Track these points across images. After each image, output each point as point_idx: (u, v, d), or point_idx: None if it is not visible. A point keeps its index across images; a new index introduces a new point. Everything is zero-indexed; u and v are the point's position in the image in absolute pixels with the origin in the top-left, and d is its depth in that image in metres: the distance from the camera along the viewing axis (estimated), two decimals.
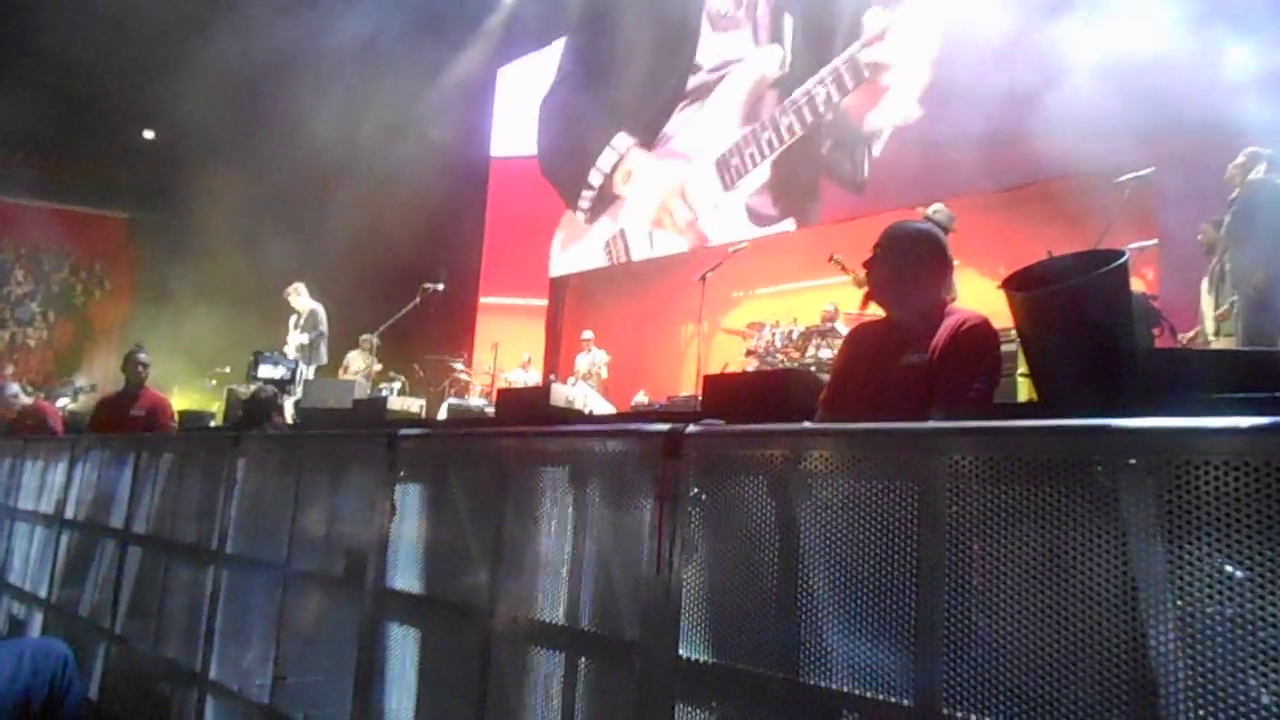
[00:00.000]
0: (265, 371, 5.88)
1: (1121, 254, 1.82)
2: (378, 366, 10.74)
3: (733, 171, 11.29)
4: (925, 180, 8.82)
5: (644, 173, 12.64)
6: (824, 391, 2.81)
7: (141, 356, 6.24)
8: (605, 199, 13.15)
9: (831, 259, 7.03)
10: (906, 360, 2.57)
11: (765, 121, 11.00)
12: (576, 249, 13.13)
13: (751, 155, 11.12)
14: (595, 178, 13.28)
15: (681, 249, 11.42)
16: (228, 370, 12.44)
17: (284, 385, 5.93)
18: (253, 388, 6.14)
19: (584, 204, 13.33)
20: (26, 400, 7.24)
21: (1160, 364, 1.89)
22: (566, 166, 13.58)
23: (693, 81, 12.38)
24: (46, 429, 6.26)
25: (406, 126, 12.60)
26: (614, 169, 12.94)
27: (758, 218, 10.75)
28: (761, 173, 10.95)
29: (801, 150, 10.45)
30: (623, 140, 12.91)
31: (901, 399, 2.50)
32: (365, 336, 10.88)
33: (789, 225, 10.25)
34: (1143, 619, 1.14)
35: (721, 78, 11.84)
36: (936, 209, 6.27)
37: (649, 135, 12.59)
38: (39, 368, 17.11)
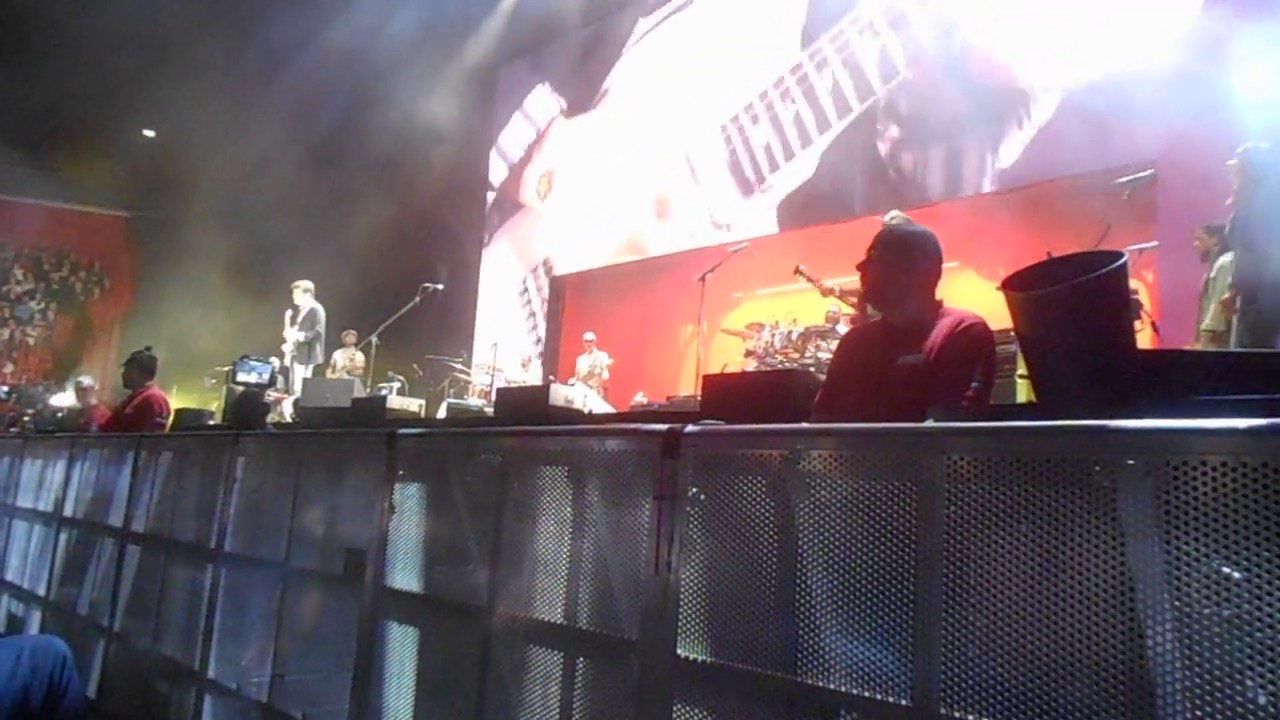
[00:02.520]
0: (243, 375, 6.00)
1: (1120, 255, 1.82)
2: (359, 358, 10.73)
3: (752, 164, 10.32)
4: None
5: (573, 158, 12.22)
6: (819, 394, 2.82)
7: (137, 357, 6.22)
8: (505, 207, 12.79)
9: (797, 270, 7.07)
10: (903, 361, 2.58)
11: (799, 69, 9.71)
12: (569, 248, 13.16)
13: (778, 137, 9.93)
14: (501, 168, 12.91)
15: (680, 248, 11.40)
16: (227, 369, 12.42)
17: (261, 388, 6.04)
18: (240, 389, 6.23)
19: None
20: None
21: (1158, 366, 1.89)
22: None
23: None
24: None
25: (407, 126, 12.59)
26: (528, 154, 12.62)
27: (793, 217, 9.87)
28: (803, 166, 9.87)
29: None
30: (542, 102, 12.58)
31: (898, 399, 2.51)
32: (348, 332, 10.89)
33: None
34: (1140, 619, 1.14)
35: None
36: (894, 216, 6.31)
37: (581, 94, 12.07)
38: (38, 366, 17.11)
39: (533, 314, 13.41)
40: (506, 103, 14.25)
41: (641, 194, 11.83)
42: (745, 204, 10.48)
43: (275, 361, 6.81)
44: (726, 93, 10.76)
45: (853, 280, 6.67)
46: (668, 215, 11.53)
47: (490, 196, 14.42)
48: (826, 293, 6.88)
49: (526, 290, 13.56)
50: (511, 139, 14.13)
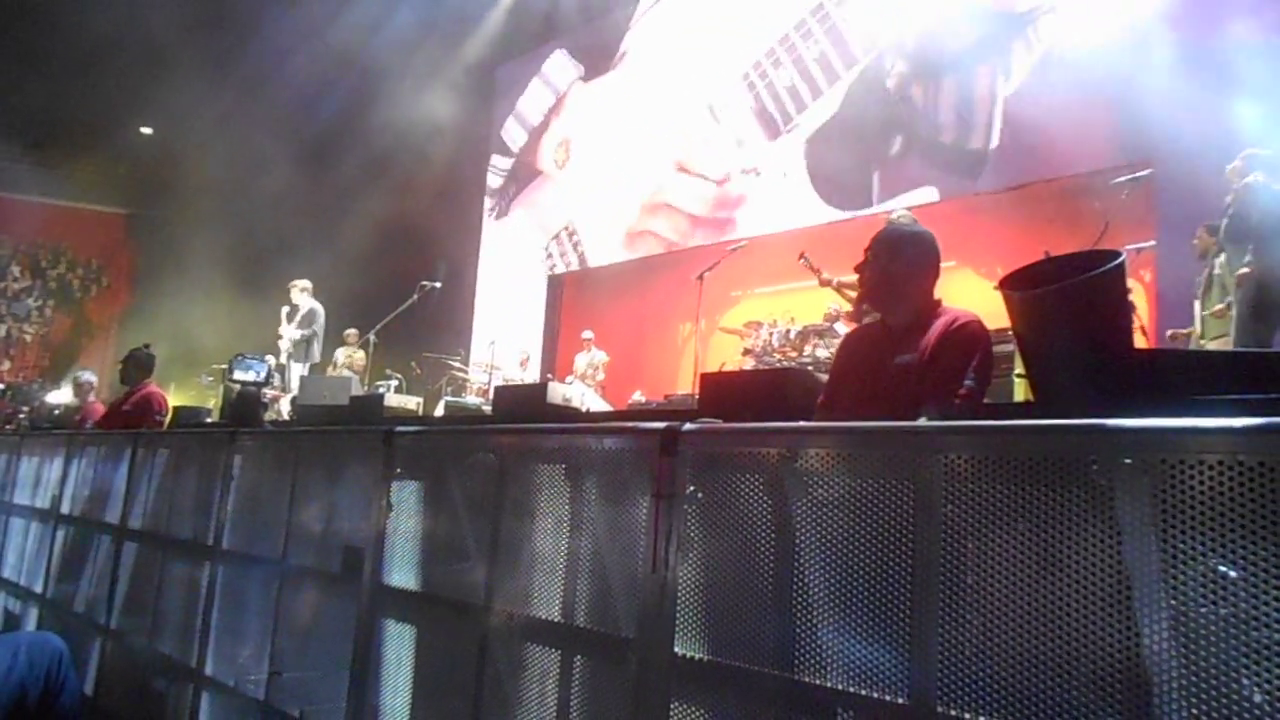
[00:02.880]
0: (239, 374, 6.10)
1: (1118, 255, 1.82)
2: (360, 356, 10.73)
3: (778, 106, 10.09)
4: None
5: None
6: (821, 396, 2.83)
7: (132, 354, 6.21)
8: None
9: (801, 257, 7.06)
10: (898, 361, 2.59)
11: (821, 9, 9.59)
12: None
13: (803, 77, 9.77)
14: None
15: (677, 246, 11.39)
16: (225, 366, 12.40)
17: (259, 387, 6.15)
18: (236, 388, 6.30)
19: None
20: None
21: (1155, 365, 1.89)
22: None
23: None
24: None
25: (405, 123, 12.58)
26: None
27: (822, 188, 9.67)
28: (827, 106, 9.66)
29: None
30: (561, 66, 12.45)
31: (893, 398, 2.52)
32: (350, 330, 10.90)
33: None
34: (1137, 618, 1.15)
35: None
36: (901, 214, 6.32)
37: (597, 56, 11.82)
38: (35, 363, 17.08)
39: (554, 269, 13.14)
40: (524, 70, 13.92)
41: (665, 148, 11.61)
42: (772, 146, 10.33)
43: (271, 359, 6.85)
44: (746, 42, 10.59)
45: (852, 276, 6.70)
46: (690, 167, 11.29)
47: (498, 181, 14.25)
48: (825, 284, 6.88)
49: (551, 255, 13.30)
50: (530, 104, 13.79)
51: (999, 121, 8.31)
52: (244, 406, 4.93)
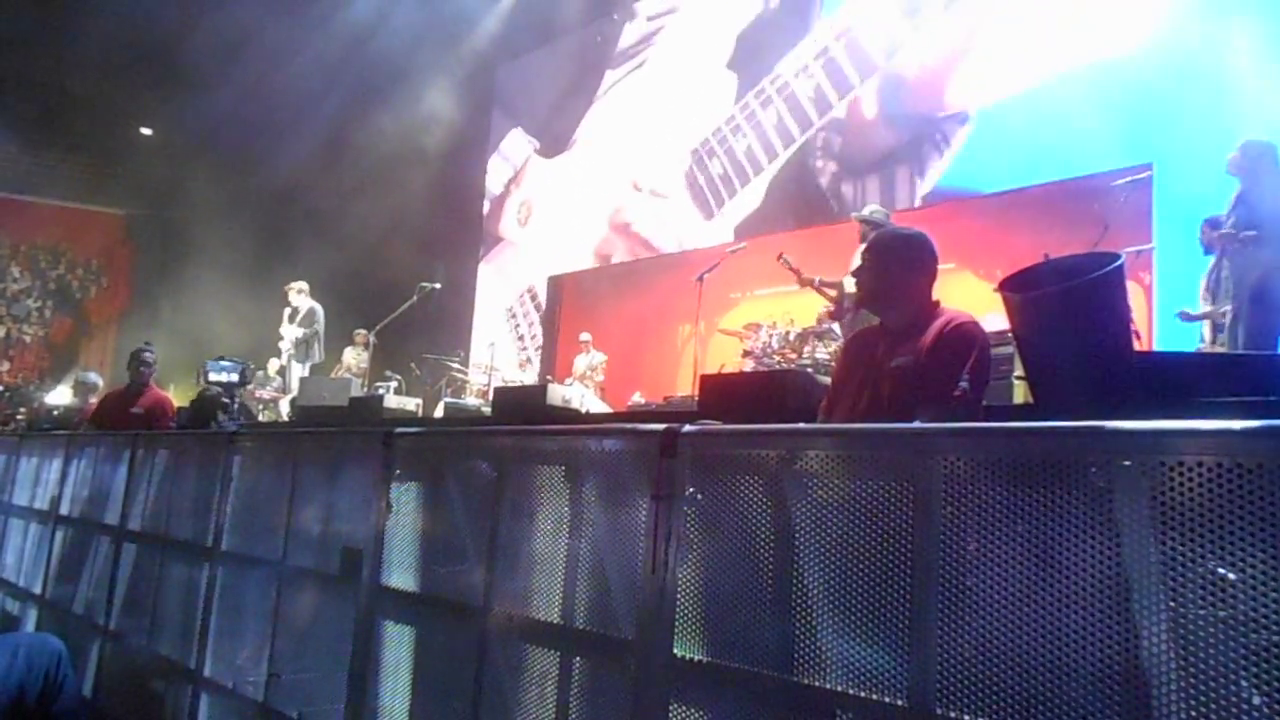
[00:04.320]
0: (214, 375, 6.23)
1: (1117, 257, 1.83)
2: (366, 358, 10.73)
3: (713, 190, 11.04)
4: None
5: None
6: (824, 399, 2.83)
7: (146, 355, 6.20)
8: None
9: (780, 258, 7.06)
10: (895, 362, 2.59)
11: (746, 108, 10.48)
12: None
13: (732, 166, 10.73)
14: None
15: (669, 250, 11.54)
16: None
17: (231, 388, 6.27)
18: (201, 389, 6.43)
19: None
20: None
21: (1154, 367, 1.89)
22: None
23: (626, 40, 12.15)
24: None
25: (406, 125, 12.59)
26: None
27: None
28: (753, 194, 10.61)
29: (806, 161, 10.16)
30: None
31: (890, 400, 2.52)
32: (359, 331, 10.89)
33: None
34: (1136, 620, 1.15)
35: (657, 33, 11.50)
36: (873, 210, 6.30)
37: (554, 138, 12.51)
38: (35, 364, 17.08)
39: (520, 337, 13.71)
40: (487, 144, 14.79)
41: (611, 217, 12.44)
42: (707, 226, 11.23)
43: (253, 363, 6.93)
44: (686, 132, 11.52)
45: (832, 275, 6.70)
46: (636, 235, 12.13)
47: (485, 205, 14.57)
48: (805, 283, 6.87)
49: (515, 316, 13.87)
50: (493, 177, 14.65)
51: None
52: (201, 409, 5.08)
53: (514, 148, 14.32)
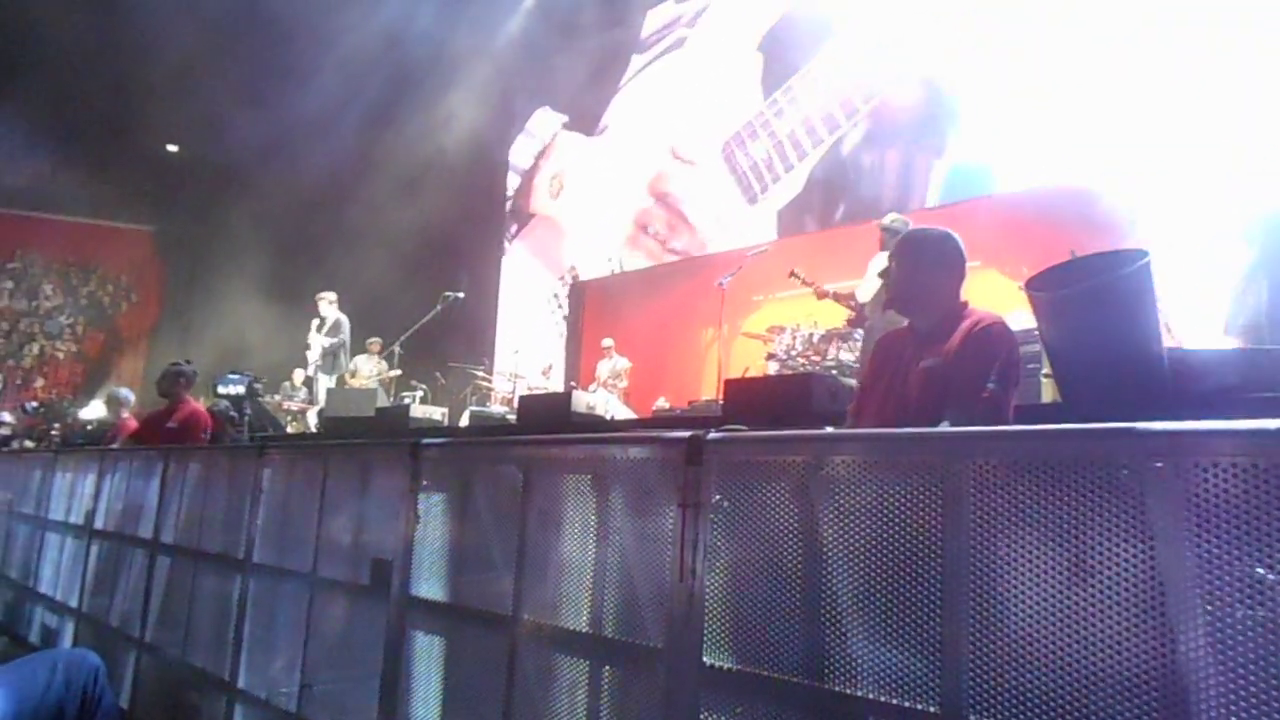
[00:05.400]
0: (222, 389, 6.39)
1: (1144, 254, 1.81)
2: (395, 371, 10.79)
3: (756, 176, 10.85)
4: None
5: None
6: (852, 402, 2.82)
7: (176, 369, 6.23)
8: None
9: (792, 274, 7.06)
10: (924, 364, 2.57)
11: (789, 92, 10.30)
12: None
13: (776, 151, 10.51)
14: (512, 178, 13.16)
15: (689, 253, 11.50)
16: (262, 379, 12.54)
17: (239, 400, 6.42)
18: (211, 402, 6.59)
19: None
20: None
21: (1185, 364, 1.86)
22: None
23: (650, 26, 12.06)
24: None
25: (428, 133, 12.68)
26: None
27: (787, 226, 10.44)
28: (795, 181, 10.45)
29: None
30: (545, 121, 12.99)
31: (917, 404, 2.50)
32: (372, 340, 10.95)
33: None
34: (1172, 623, 1.13)
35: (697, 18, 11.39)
36: (894, 218, 6.27)
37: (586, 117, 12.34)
38: (68, 380, 17.34)
39: (563, 319, 13.53)
40: (509, 141, 14.67)
41: (650, 185, 12.16)
42: (750, 210, 10.94)
43: (255, 374, 7.09)
44: (723, 115, 11.29)
45: (850, 284, 6.68)
46: (674, 207, 11.85)
47: (514, 183, 14.56)
48: (822, 295, 6.87)
49: (557, 297, 13.67)
50: (519, 154, 14.48)
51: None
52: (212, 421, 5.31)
53: (540, 125, 14.14)
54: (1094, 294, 1.75)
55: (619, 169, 12.60)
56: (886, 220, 6.31)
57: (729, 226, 11.09)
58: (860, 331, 6.83)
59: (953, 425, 2.19)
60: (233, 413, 6.38)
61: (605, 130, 13.05)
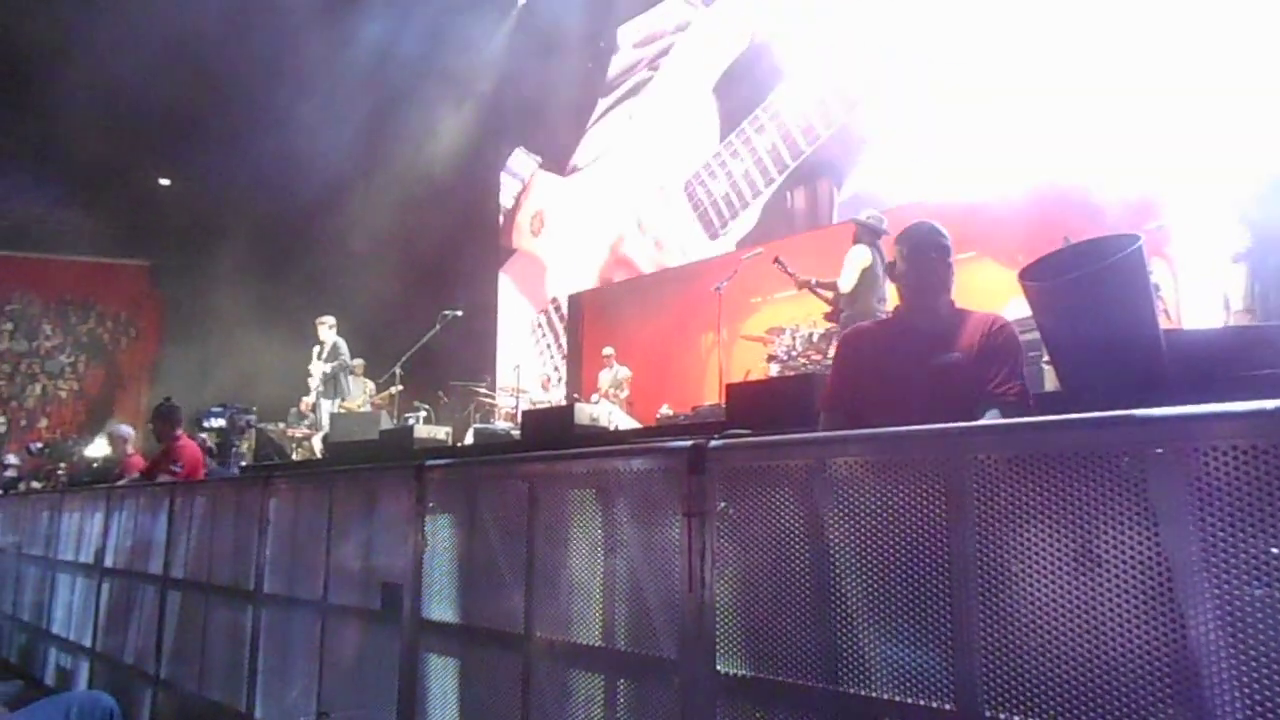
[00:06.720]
0: (206, 423, 6.58)
1: (1136, 238, 1.81)
2: (396, 388, 10.77)
3: (716, 211, 11.24)
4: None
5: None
6: (824, 396, 2.76)
7: (156, 412, 6.15)
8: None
9: (775, 261, 7.03)
10: (940, 360, 2.52)
11: (742, 135, 10.83)
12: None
13: (734, 189, 11.00)
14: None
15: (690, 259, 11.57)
16: (254, 409, 12.51)
17: (223, 432, 6.56)
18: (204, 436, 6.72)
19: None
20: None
21: (1184, 346, 1.86)
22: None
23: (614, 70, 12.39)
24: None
25: (418, 155, 12.71)
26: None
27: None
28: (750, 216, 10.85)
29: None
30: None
31: (938, 398, 2.46)
32: (357, 361, 10.92)
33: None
34: (1182, 607, 1.13)
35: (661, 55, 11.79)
36: (870, 215, 6.26)
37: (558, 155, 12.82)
38: (71, 419, 17.36)
39: (547, 347, 13.82)
40: (498, 164, 15.06)
41: (625, 226, 12.71)
42: (711, 245, 11.48)
43: (237, 407, 7.23)
44: (683, 157, 11.83)
45: (827, 276, 6.66)
46: (651, 246, 12.37)
47: (501, 220, 14.72)
48: (801, 285, 6.85)
49: (541, 327, 14.00)
50: (503, 191, 14.96)
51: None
52: None
53: (519, 164, 14.71)
54: (1085, 283, 1.75)
55: (591, 209, 13.12)
56: (863, 216, 6.32)
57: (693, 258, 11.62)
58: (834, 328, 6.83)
59: (1003, 419, 2.18)
60: (210, 445, 6.52)
61: (575, 171, 13.58)
